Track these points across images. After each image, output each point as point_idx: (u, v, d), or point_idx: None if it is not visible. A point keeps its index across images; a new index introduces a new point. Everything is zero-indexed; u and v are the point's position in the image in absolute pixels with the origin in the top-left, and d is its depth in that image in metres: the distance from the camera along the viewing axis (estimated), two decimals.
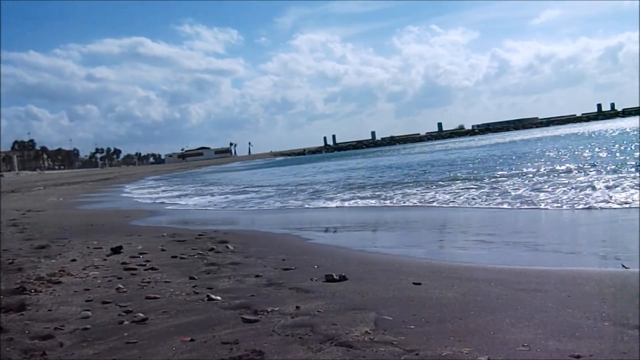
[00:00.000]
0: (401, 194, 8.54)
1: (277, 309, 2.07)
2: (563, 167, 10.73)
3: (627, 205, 5.21)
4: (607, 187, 6.65)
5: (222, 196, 11.96)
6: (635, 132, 25.14)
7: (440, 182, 9.70)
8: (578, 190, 6.65)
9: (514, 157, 16.59)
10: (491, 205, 6.22)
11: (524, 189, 7.35)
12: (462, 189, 8.22)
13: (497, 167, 12.87)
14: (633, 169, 8.98)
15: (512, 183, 8.31)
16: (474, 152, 24.55)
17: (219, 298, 2.31)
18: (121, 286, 2.63)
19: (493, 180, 9.20)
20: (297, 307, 2.08)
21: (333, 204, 7.90)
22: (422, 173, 13.56)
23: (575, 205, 5.59)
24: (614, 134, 27.55)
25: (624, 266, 2.70)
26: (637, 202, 5.25)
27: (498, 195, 6.93)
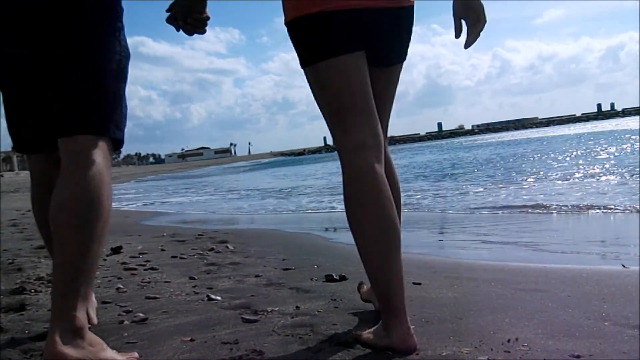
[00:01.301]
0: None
1: (277, 309, 2.07)
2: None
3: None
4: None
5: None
6: None
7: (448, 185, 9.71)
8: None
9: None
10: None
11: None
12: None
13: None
14: None
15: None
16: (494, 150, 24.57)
17: (219, 298, 2.31)
18: (121, 286, 2.63)
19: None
20: (297, 307, 2.08)
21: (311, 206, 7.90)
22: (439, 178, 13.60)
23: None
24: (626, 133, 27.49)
25: (623, 266, 2.70)
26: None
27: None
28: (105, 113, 1.60)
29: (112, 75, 1.63)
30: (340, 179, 1.58)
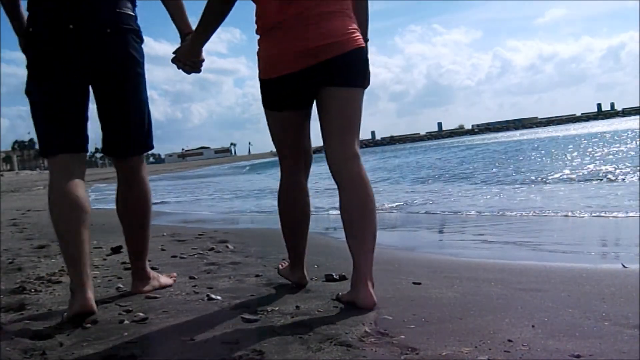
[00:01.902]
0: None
1: (277, 309, 2.07)
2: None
3: None
4: None
5: None
6: None
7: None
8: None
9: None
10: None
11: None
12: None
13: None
14: None
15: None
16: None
17: (219, 298, 2.31)
18: (121, 286, 2.63)
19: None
20: (297, 307, 2.08)
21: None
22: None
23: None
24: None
25: (623, 265, 2.70)
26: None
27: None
28: (149, 137, 2.39)
29: (148, 105, 2.37)
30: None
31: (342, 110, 2.09)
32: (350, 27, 2.07)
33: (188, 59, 2.29)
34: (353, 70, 2.08)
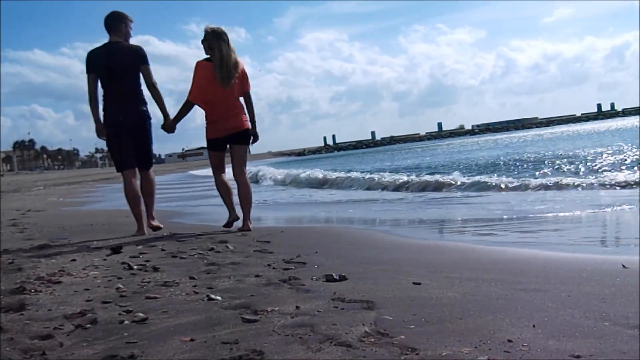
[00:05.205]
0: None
1: (277, 308, 2.08)
2: None
3: None
4: None
5: None
6: None
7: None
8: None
9: None
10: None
11: None
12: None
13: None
14: None
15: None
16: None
17: (219, 298, 2.31)
18: (121, 286, 2.63)
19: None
20: (297, 307, 2.08)
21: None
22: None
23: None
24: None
25: (623, 266, 2.70)
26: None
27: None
28: (152, 159, 5.21)
29: (152, 145, 5.13)
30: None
31: (238, 154, 4.95)
32: (243, 119, 4.88)
33: (168, 129, 4.99)
34: (242, 138, 4.92)
